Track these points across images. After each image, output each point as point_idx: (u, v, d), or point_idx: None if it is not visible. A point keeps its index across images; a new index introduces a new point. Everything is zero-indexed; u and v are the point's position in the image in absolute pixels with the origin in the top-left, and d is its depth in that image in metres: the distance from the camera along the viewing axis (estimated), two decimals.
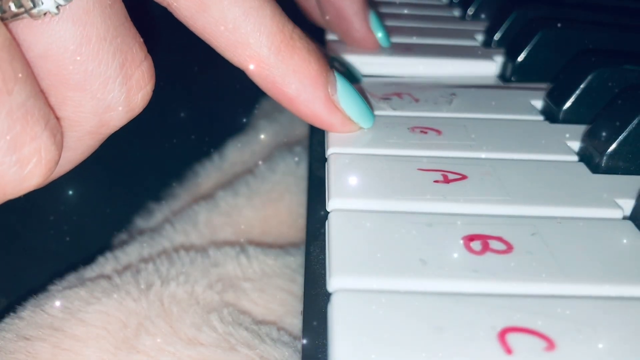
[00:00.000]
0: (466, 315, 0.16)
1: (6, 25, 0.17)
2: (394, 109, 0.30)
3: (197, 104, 0.47)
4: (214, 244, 0.33)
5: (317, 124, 0.26)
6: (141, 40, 0.20)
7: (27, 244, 0.33)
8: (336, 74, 0.26)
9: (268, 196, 0.38)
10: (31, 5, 0.17)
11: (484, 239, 0.20)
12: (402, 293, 0.17)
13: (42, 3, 0.17)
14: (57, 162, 0.18)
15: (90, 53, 0.19)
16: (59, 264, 0.31)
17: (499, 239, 0.20)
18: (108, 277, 0.29)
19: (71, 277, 0.30)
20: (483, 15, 0.48)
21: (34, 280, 0.30)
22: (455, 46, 0.42)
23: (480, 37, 0.44)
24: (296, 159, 0.41)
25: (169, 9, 0.23)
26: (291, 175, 0.40)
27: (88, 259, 0.32)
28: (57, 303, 0.27)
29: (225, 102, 0.50)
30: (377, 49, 0.38)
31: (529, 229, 0.20)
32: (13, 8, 0.17)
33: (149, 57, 0.21)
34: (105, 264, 0.31)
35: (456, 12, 0.52)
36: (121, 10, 0.20)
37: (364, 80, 0.34)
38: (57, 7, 0.18)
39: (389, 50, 0.34)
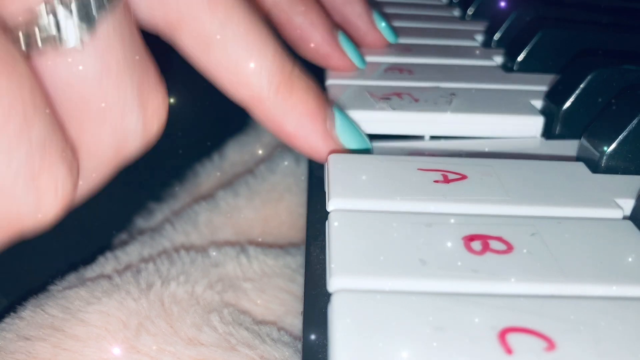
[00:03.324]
0: (466, 316, 0.16)
1: (29, 57, 0.18)
2: (394, 109, 0.30)
3: (197, 104, 0.47)
4: (214, 244, 0.33)
5: (317, 159, 0.27)
6: (156, 67, 0.21)
7: (27, 244, 0.33)
8: (335, 108, 0.27)
9: (268, 196, 0.38)
10: (57, 40, 0.18)
11: (484, 239, 0.20)
12: (402, 293, 0.17)
13: (68, 39, 0.18)
14: (73, 195, 0.18)
15: (111, 84, 0.19)
16: (59, 264, 0.31)
17: (499, 239, 0.20)
18: (108, 277, 0.29)
19: (71, 277, 0.30)
20: (483, 15, 0.49)
21: (34, 280, 0.30)
22: (455, 46, 0.42)
23: (480, 37, 0.44)
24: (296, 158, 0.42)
25: (173, 45, 0.23)
26: (291, 175, 0.40)
27: (88, 259, 0.32)
28: (58, 303, 0.27)
29: (225, 102, 0.50)
30: (384, 47, 0.40)
31: (529, 229, 0.20)
32: (39, 43, 0.18)
33: (164, 84, 0.21)
34: (106, 263, 0.31)
35: (456, 12, 0.52)
36: (139, 41, 0.20)
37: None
38: (82, 42, 0.18)
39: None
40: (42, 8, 0.17)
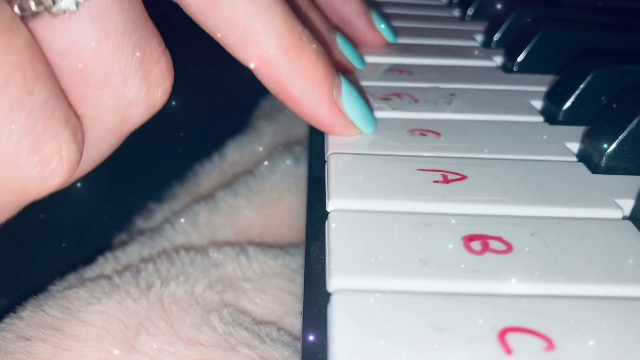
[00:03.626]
0: (466, 315, 0.16)
1: (26, 24, 0.17)
2: (394, 109, 0.30)
3: (197, 104, 0.47)
4: (214, 244, 0.33)
5: (319, 126, 0.26)
6: (159, 35, 0.20)
7: (27, 244, 0.33)
8: (342, 77, 0.26)
9: (268, 196, 0.38)
10: (51, 3, 0.17)
11: (483, 239, 0.20)
12: (402, 293, 0.17)
13: (62, 1, 0.17)
14: (79, 161, 0.18)
15: (110, 50, 0.19)
16: (58, 264, 0.31)
17: (499, 239, 0.20)
18: (108, 277, 0.29)
19: (71, 277, 0.30)
20: (483, 16, 0.49)
21: (34, 280, 0.30)
22: (455, 47, 0.42)
23: (479, 38, 0.44)
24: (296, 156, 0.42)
25: (180, 4, 0.23)
26: (291, 175, 0.40)
27: (88, 259, 0.32)
28: (57, 303, 0.27)
29: (225, 102, 0.50)
30: (384, 47, 0.40)
31: (528, 229, 0.20)
32: (33, 7, 0.17)
33: (167, 52, 0.21)
34: (105, 264, 0.31)
35: (456, 13, 0.52)
36: (139, 6, 0.19)
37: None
38: (77, 5, 0.18)
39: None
40: None
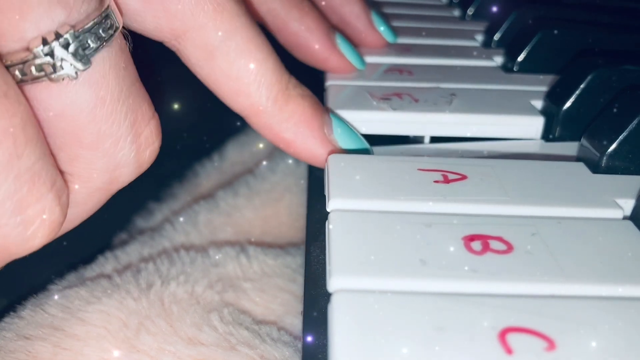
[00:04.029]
0: (466, 316, 0.16)
1: (24, 87, 0.18)
2: (394, 109, 0.30)
3: (197, 104, 0.47)
4: (214, 244, 0.33)
5: (316, 164, 0.27)
6: (149, 98, 0.21)
7: None
8: (331, 114, 0.27)
9: (268, 196, 0.38)
10: (52, 70, 0.18)
11: (484, 239, 0.20)
12: (402, 293, 0.17)
13: (62, 68, 0.18)
14: (61, 223, 0.19)
15: (104, 114, 0.19)
16: (59, 264, 0.31)
17: (499, 239, 0.20)
18: (108, 277, 0.29)
19: (71, 277, 0.30)
20: (483, 16, 0.48)
21: (34, 279, 0.30)
22: (455, 46, 0.42)
23: (480, 38, 0.44)
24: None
25: (177, 54, 0.24)
26: (291, 175, 0.40)
27: (88, 259, 0.32)
28: (57, 302, 0.27)
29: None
30: (384, 47, 0.40)
31: (529, 229, 0.20)
32: (34, 72, 0.18)
33: (156, 115, 0.22)
34: (106, 263, 0.31)
35: (456, 12, 0.52)
36: (133, 72, 0.20)
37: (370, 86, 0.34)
38: (76, 72, 0.18)
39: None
40: (40, 47, 0.17)
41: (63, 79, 0.18)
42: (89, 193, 0.21)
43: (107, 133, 0.20)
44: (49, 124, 0.19)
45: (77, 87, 0.18)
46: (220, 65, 0.24)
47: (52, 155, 0.19)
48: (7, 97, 0.16)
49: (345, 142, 0.27)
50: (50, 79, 0.18)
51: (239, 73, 0.24)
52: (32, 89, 0.18)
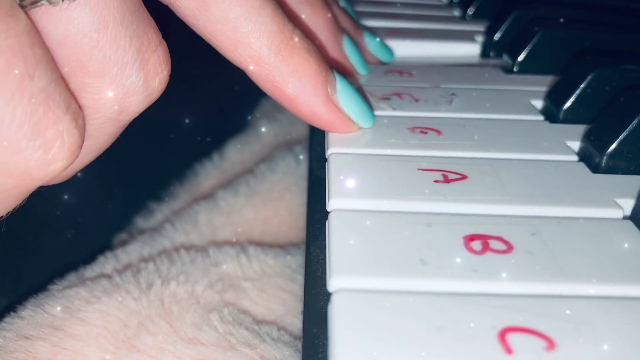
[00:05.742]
0: (466, 315, 0.16)
1: (25, 13, 0.17)
2: (394, 109, 0.30)
3: (197, 104, 0.47)
4: (214, 244, 0.33)
5: (317, 124, 0.26)
6: (155, 25, 0.21)
7: (27, 243, 0.33)
8: (336, 74, 0.26)
9: (268, 196, 0.38)
10: None
11: (484, 238, 0.20)
12: (402, 293, 0.17)
13: None
14: (80, 146, 0.18)
15: (108, 39, 0.19)
16: (59, 264, 0.31)
17: (499, 238, 0.20)
18: (108, 277, 0.29)
19: (71, 277, 0.30)
20: (483, 16, 0.48)
21: (34, 279, 0.30)
22: (455, 47, 0.42)
23: (480, 38, 0.44)
24: (301, 157, 0.41)
25: (171, 7, 0.23)
26: (291, 175, 0.40)
27: (88, 259, 0.32)
28: (57, 302, 0.27)
29: (225, 102, 0.50)
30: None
31: (529, 229, 0.20)
32: None
33: (164, 42, 0.21)
34: (106, 263, 0.31)
35: (456, 12, 0.52)
36: None
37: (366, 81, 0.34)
38: None
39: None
40: None
41: (62, 1, 0.18)
42: (100, 124, 0.20)
43: (113, 59, 0.19)
44: (54, 53, 0.18)
45: (78, 10, 0.18)
46: (215, 14, 0.23)
47: None
48: (11, 16, 0.16)
49: (348, 105, 0.26)
50: (50, 2, 0.18)
51: (236, 22, 0.23)
52: (32, 15, 0.18)
